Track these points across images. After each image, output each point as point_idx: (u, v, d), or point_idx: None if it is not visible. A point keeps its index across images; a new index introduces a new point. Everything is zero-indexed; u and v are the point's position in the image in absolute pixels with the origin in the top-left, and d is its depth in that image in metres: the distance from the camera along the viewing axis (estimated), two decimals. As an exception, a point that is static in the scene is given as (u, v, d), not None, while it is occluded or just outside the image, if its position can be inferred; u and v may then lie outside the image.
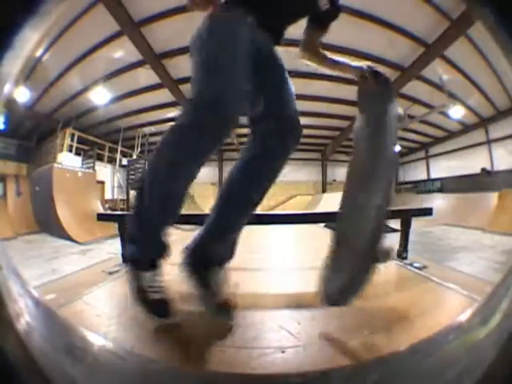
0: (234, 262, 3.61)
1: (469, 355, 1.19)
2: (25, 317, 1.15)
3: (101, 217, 5.91)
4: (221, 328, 2.19)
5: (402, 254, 4.16)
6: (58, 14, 1.07)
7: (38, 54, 12.68)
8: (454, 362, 1.22)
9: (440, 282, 2.98)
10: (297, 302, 2.77)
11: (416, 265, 3.69)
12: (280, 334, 2.11)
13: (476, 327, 1.40)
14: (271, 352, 1.86)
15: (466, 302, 2.44)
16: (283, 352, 1.85)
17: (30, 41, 0.94)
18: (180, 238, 8.74)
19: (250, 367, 1.71)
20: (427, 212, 4.58)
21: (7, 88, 0.96)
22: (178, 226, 14.00)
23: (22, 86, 14.65)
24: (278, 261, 5.24)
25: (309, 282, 3.55)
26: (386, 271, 3.82)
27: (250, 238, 7.73)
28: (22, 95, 15.28)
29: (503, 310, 1.21)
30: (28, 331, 1.09)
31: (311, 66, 3.07)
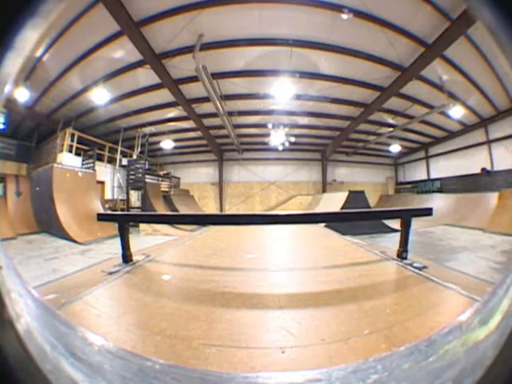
0: (233, 263, 3.61)
1: (469, 355, 1.20)
2: (25, 317, 1.17)
3: (101, 217, 5.91)
4: (221, 328, 2.19)
5: (402, 254, 4.15)
6: (58, 13, 1.00)
7: (38, 54, 12.68)
8: (454, 362, 1.24)
9: (440, 282, 2.98)
10: (296, 302, 2.77)
11: (416, 265, 3.68)
12: (280, 334, 2.11)
13: (476, 327, 1.42)
14: (271, 352, 1.87)
15: (465, 301, 2.45)
16: (283, 352, 1.86)
17: (30, 41, 0.91)
18: (180, 237, 8.70)
19: (249, 367, 1.71)
20: (427, 212, 4.54)
21: (7, 88, 0.94)
22: (179, 226, 13.96)
23: (22, 86, 14.64)
24: (277, 261, 5.23)
25: (308, 282, 3.57)
26: (385, 271, 3.83)
27: (250, 237, 7.74)
28: (22, 95, 15.26)
29: (503, 310, 1.23)
30: (28, 331, 1.11)
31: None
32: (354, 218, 6.45)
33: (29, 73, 13.97)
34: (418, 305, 2.54)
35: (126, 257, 4.23)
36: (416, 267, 3.61)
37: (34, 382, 0.92)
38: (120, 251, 4.27)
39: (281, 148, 25.35)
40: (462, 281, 3.02)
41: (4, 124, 16.98)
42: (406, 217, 4.25)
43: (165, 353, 1.89)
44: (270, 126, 21.96)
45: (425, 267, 3.58)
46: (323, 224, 10.70)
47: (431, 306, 2.57)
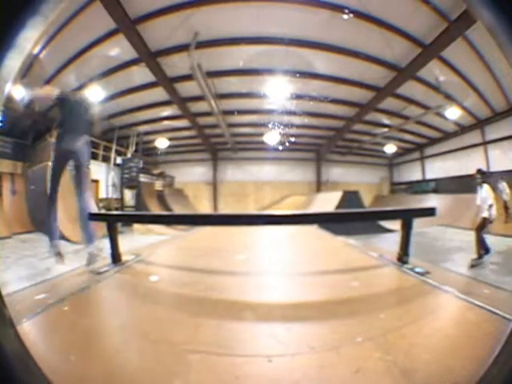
0: (222, 264, 3.53)
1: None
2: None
3: (92, 217, 5.86)
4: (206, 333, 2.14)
5: (403, 258, 3.93)
6: (57, 13, 1.07)
7: (35, 51, 12.59)
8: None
9: (442, 288, 2.89)
10: (286, 308, 2.71)
11: (418, 270, 3.50)
12: (267, 342, 2.05)
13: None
14: (257, 360, 1.80)
15: (467, 307, 2.38)
16: (270, 361, 1.79)
17: (30, 40, 0.96)
18: (172, 237, 8.64)
19: (234, 376, 1.65)
20: (430, 212, 4.30)
21: (8, 87, 0.99)
22: (174, 226, 13.89)
23: (19, 83, 14.57)
24: (268, 264, 5.15)
25: (299, 286, 3.50)
26: (385, 277, 3.72)
27: (242, 236, 7.69)
28: (18, 93, 15.20)
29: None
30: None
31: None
32: (353, 219, 6.29)
33: (25, 70, 13.89)
34: (416, 311, 2.48)
35: (115, 257, 4.17)
36: (418, 272, 3.43)
37: (33, 382, 0.95)
38: (109, 251, 4.21)
39: (280, 147, 25.41)
40: (466, 286, 2.95)
41: (2, 122, 16.92)
42: (407, 217, 4.04)
43: (147, 358, 1.84)
44: (265, 125, 21.97)
45: (427, 272, 3.40)
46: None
47: (430, 311, 2.52)
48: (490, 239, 9.79)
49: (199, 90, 15.51)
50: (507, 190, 15.26)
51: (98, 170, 20.63)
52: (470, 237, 11.95)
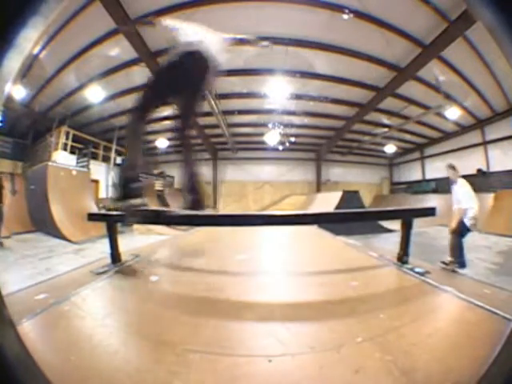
0: (222, 264, 3.52)
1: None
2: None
3: (91, 217, 5.84)
4: (206, 333, 2.13)
5: (403, 258, 3.90)
6: (57, 13, 1.08)
7: (35, 51, 12.61)
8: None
9: (441, 288, 2.88)
10: (286, 307, 2.70)
11: (417, 270, 3.48)
12: (267, 342, 2.04)
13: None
14: (257, 360, 1.80)
15: (467, 307, 2.37)
16: (270, 361, 1.79)
17: (30, 40, 0.95)
18: (172, 237, 8.62)
19: (233, 375, 1.65)
20: (430, 212, 4.26)
21: (8, 86, 0.98)
22: (174, 226, 13.89)
23: (19, 83, 14.59)
24: (267, 263, 5.14)
25: (299, 286, 3.49)
26: (384, 276, 3.71)
27: (241, 236, 7.68)
28: (19, 93, 15.22)
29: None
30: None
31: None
32: (353, 219, 6.27)
33: (25, 70, 13.90)
34: (416, 311, 2.47)
35: (115, 257, 4.15)
36: (418, 272, 3.41)
37: (34, 382, 0.95)
38: (109, 251, 4.20)
39: (280, 148, 25.43)
40: (466, 286, 2.94)
41: (2, 122, 16.95)
42: (407, 217, 4.01)
43: (147, 357, 1.83)
44: (265, 125, 21.99)
45: (428, 272, 3.38)
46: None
47: (430, 311, 2.51)
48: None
49: (199, 90, 15.55)
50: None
51: (98, 170, 20.66)
52: (471, 237, 11.97)
